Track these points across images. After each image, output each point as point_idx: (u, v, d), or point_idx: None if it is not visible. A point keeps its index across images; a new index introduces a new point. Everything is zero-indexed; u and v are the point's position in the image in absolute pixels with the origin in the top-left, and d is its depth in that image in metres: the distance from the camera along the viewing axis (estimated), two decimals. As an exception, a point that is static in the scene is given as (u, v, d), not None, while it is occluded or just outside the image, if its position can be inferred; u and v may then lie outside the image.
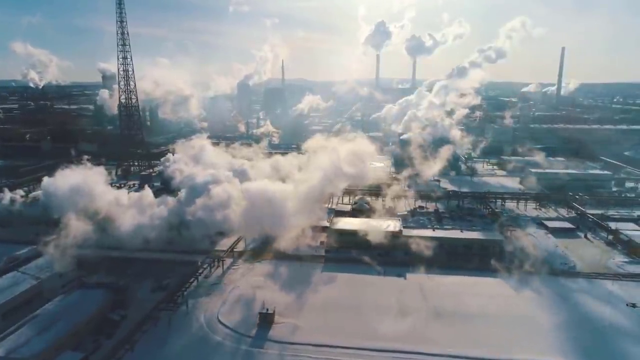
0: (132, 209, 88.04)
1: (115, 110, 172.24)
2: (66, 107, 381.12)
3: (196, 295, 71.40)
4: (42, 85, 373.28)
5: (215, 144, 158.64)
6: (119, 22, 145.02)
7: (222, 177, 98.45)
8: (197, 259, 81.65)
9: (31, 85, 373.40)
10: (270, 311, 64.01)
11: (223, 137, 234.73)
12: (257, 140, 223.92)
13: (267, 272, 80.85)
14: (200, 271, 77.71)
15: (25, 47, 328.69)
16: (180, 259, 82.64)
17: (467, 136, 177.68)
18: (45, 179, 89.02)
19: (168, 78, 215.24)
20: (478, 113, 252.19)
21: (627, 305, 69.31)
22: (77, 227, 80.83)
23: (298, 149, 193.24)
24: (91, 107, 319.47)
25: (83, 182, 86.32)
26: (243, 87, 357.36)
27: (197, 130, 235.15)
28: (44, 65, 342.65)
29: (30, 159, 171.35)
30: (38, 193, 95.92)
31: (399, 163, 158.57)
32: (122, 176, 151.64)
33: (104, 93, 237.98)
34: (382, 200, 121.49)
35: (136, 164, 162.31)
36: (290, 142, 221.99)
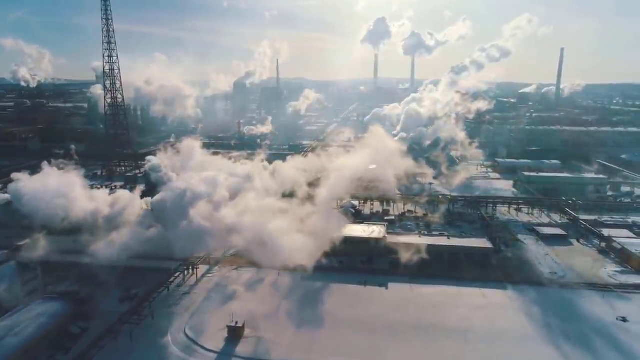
0: (108, 218, 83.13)
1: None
2: (61, 105, 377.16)
3: (165, 306, 68.11)
4: (35, 83, 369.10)
5: (207, 145, 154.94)
6: (104, 20, 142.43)
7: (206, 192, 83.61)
8: (170, 266, 78.08)
9: (22, 83, 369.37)
10: (239, 324, 60.79)
11: (215, 137, 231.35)
12: (252, 140, 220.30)
13: (244, 280, 77.56)
14: (172, 279, 74.36)
15: (17, 43, 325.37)
16: (153, 265, 78.72)
17: (471, 140, 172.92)
18: (16, 180, 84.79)
19: (161, 75, 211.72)
20: (487, 117, 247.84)
21: (617, 319, 66.04)
22: (46, 232, 77.73)
23: (291, 149, 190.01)
24: (86, 105, 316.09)
25: (54, 184, 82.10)
26: (240, 86, 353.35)
27: (189, 130, 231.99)
28: (36, 62, 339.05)
29: (19, 158, 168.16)
30: (5, 195, 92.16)
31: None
32: (107, 177, 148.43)
33: (96, 89, 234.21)
34: (371, 204, 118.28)
35: (122, 164, 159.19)
36: (283, 143, 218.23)
